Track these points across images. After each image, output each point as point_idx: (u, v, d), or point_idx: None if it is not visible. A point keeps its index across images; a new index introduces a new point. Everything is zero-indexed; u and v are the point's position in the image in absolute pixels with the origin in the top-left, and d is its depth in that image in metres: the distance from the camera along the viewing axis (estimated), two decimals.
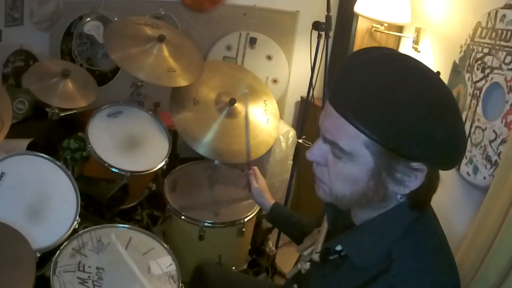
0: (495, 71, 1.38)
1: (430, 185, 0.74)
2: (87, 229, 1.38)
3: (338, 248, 0.80)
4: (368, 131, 0.66)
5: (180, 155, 2.31)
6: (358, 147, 0.69)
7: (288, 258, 2.11)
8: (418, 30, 1.93)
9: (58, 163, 1.44)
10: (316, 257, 0.87)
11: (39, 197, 1.34)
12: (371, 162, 0.70)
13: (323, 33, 1.85)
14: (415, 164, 0.69)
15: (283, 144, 2.37)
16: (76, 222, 1.36)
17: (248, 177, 1.45)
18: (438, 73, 0.73)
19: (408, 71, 0.69)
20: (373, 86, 0.66)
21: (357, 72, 0.70)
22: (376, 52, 0.73)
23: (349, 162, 0.72)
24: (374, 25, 2.23)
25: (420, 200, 0.75)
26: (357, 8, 2.03)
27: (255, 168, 1.47)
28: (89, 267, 1.27)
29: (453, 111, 0.69)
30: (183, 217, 1.65)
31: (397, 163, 0.69)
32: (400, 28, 2.21)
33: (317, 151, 0.76)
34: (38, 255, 1.22)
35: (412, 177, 0.71)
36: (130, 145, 1.76)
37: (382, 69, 0.68)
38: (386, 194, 0.74)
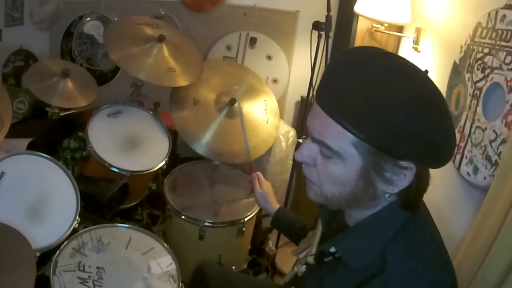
0: (495, 71, 1.38)
1: (420, 184, 0.74)
2: (87, 228, 1.38)
3: (332, 250, 0.80)
4: (355, 129, 0.66)
5: (180, 155, 2.31)
6: (346, 146, 0.69)
7: (288, 258, 2.11)
8: (418, 30, 1.93)
9: (58, 163, 1.44)
10: (311, 259, 0.87)
11: (39, 197, 1.33)
12: (359, 161, 0.70)
13: (323, 33, 1.85)
14: (403, 163, 0.69)
15: (283, 144, 2.37)
16: (76, 221, 1.36)
17: (251, 182, 1.44)
18: (426, 71, 0.73)
19: (393, 68, 0.68)
20: (357, 84, 0.66)
21: (342, 71, 0.70)
22: (361, 51, 0.73)
23: (339, 162, 0.71)
24: (374, 25, 2.23)
25: (410, 200, 0.75)
26: (357, 8, 2.03)
27: (258, 173, 1.47)
28: (89, 266, 1.27)
29: (439, 107, 0.69)
30: (183, 217, 1.65)
31: (385, 162, 0.69)
32: (400, 28, 2.21)
33: (306, 151, 0.76)
34: (38, 254, 1.22)
35: (401, 176, 0.71)
36: (130, 145, 1.76)
37: (367, 67, 0.68)
38: (375, 193, 0.74)
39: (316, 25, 1.84)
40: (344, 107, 0.67)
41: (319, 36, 1.86)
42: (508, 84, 1.31)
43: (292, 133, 2.42)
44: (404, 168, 0.70)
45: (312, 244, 0.91)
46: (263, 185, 1.43)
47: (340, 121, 0.67)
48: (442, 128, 0.68)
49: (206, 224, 1.63)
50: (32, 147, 1.62)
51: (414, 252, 0.73)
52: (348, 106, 0.66)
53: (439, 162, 0.71)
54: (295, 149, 2.10)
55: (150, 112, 1.91)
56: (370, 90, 0.65)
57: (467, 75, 1.54)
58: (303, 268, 0.90)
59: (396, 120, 0.64)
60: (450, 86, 1.65)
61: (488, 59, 1.42)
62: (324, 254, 0.83)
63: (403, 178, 0.71)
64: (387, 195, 0.74)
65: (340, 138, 0.69)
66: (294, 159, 2.17)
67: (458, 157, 1.52)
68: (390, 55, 0.73)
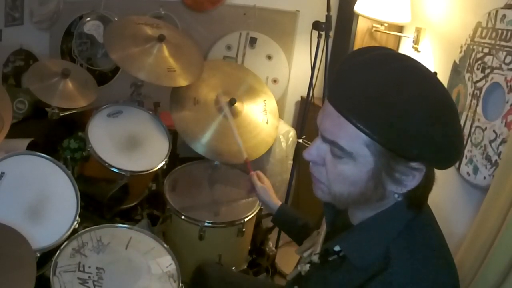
0: (495, 71, 1.38)
1: (427, 184, 0.74)
2: (87, 229, 1.38)
3: (337, 249, 0.80)
4: (369, 130, 0.66)
5: (180, 155, 2.31)
6: (359, 146, 0.69)
7: (288, 258, 2.11)
8: (418, 30, 1.93)
9: (58, 163, 1.44)
10: (315, 258, 0.87)
11: (39, 197, 1.33)
12: (371, 162, 0.70)
13: (323, 33, 1.85)
14: (414, 164, 0.69)
15: (283, 144, 2.37)
16: (76, 222, 1.36)
17: (251, 180, 1.43)
18: (435, 73, 0.73)
19: (407, 71, 0.69)
20: (373, 86, 0.66)
21: (356, 71, 0.70)
22: (375, 52, 0.73)
23: (350, 162, 0.71)
24: (374, 25, 2.23)
25: (417, 199, 0.76)
26: (357, 8, 2.03)
27: (258, 172, 1.45)
28: (89, 267, 1.27)
29: (452, 111, 0.69)
30: (183, 217, 1.65)
31: (397, 163, 0.69)
32: (400, 28, 2.21)
33: (315, 150, 0.76)
34: (38, 255, 1.22)
35: (410, 177, 0.71)
36: (130, 145, 1.76)
37: (382, 68, 0.68)
38: (384, 193, 0.74)
39: (316, 25, 1.84)
40: (359, 108, 0.67)
41: (319, 36, 1.86)
42: (508, 84, 1.31)
43: (292, 133, 2.42)
44: (414, 169, 0.70)
45: (317, 243, 0.91)
46: (263, 180, 1.42)
47: (354, 122, 0.67)
48: (453, 130, 0.69)
49: (206, 224, 1.63)
50: (32, 147, 1.62)
51: (417, 251, 0.73)
52: (363, 107, 0.66)
53: (448, 163, 0.72)
54: (295, 149, 2.10)
55: (150, 112, 1.91)
56: (386, 92, 0.65)
57: (467, 75, 1.54)
58: (307, 267, 0.90)
59: (411, 123, 0.64)
60: (450, 86, 1.65)
61: (488, 59, 1.42)
62: (328, 253, 0.83)
63: (412, 178, 0.71)
64: (396, 195, 0.75)
65: (353, 138, 0.69)
66: (294, 159, 2.18)
67: None
68: (403, 57, 0.73)
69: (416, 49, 1.96)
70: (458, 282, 0.77)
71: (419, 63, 0.72)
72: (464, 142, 1.50)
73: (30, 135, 1.73)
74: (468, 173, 1.47)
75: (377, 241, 0.76)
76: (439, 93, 0.69)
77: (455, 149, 0.70)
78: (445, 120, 0.67)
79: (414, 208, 0.76)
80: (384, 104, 0.65)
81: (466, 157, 1.48)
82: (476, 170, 1.42)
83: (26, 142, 1.66)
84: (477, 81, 1.47)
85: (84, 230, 1.37)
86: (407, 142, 0.66)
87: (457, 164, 1.53)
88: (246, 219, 1.68)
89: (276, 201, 1.36)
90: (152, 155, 1.79)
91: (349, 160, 0.71)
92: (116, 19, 2.34)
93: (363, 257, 0.76)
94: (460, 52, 1.59)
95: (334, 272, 0.81)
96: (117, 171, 1.65)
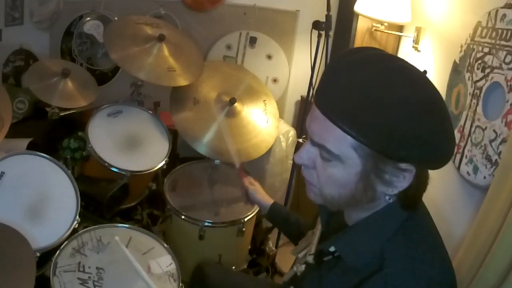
0: (495, 70, 1.38)
1: (419, 184, 0.74)
2: (87, 229, 1.38)
3: (332, 249, 0.81)
4: (354, 133, 0.66)
5: (180, 154, 2.31)
6: (346, 149, 0.69)
7: (288, 258, 2.10)
8: (418, 30, 1.93)
9: (58, 163, 1.44)
10: (310, 259, 0.87)
11: (39, 197, 1.33)
12: (359, 164, 0.70)
13: (323, 33, 1.85)
14: (402, 165, 0.69)
15: (283, 144, 2.37)
16: (76, 222, 1.36)
17: (244, 187, 1.44)
18: (425, 72, 0.72)
19: (393, 71, 0.68)
20: (357, 88, 0.66)
21: (341, 73, 0.69)
22: (360, 53, 0.73)
23: (339, 165, 0.71)
24: (374, 24, 2.23)
25: (410, 199, 0.75)
26: (357, 8, 2.03)
27: (249, 177, 1.47)
28: (89, 267, 1.26)
29: (440, 110, 0.68)
30: (183, 217, 1.65)
31: (385, 165, 0.69)
32: (400, 28, 2.21)
33: (305, 154, 0.76)
34: (38, 255, 1.22)
35: (400, 178, 0.71)
36: (130, 145, 1.76)
37: (366, 70, 0.67)
38: (374, 195, 0.74)
39: (316, 25, 1.84)
40: (344, 110, 0.66)
41: (319, 36, 1.86)
42: (508, 83, 1.31)
43: (292, 132, 2.41)
44: (403, 170, 0.70)
45: (312, 243, 0.91)
46: (254, 183, 1.45)
47: (340, 124, 0.67)
48: (442, 130, 0.68)
49: (206, 224, 1.63)
50: (32, 147, 1.62)
51: (413, 250, 0.73)
52: (348, 109, 0.66)
53: (439, 163, 0.71)
54: (295, 149, 2.10)
55: (150, 112, 1.91)
56: (370, 93, 0.65)
57: (467, 75, 1.53)
58: (302, 267, 0.90)
59: (397, 123, 0.64)
60: (450, 85, 1.65)
61: (488, 58, 1.42)
62: (323, 253, 0.83)
63: (403, 179, 0.71)
64: (386, 197, 0.75)
65: (340, 141, 0.69)
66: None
67: (458, 156, 1.52)
68: (389, 57, 0.73)
69: (416, 49, 1.96)
70: (455, 280, 0.77)
71: (407, 62, 0.71)
72: (461, 141, 1.50)
73: (30, 135, 1.73)
74: (468, 173, 1.47)
75: (372, 241, 0.76)
76: (427, 93, 0.68)
77: (444, 149, 0.70)
78: (432, 120, 0.66)
79: (408, 208, 0.76)
80: (367, 106, 0.64)
81: (466, 157, 1.48)
82: (476, 169, 1.42)
83: (26, 142, 1.66)
84: (477, 81, 1.47)
85: (84, 230, 1.37)
86: (394, 144, 0.65)
87: (457, 163, 1.53)
88: (246, 219, 1.68)
89: (269, 201, 1.38)
90: (152, 155, 1.79)
91: (337, 163, 0.71)
92: (116, 19, 2.34)
93: (358, 257, 0.76)
94: (460, 51, 1.59)
95: (329, 272, 0.82)
96: (117, 171, 1.65)
